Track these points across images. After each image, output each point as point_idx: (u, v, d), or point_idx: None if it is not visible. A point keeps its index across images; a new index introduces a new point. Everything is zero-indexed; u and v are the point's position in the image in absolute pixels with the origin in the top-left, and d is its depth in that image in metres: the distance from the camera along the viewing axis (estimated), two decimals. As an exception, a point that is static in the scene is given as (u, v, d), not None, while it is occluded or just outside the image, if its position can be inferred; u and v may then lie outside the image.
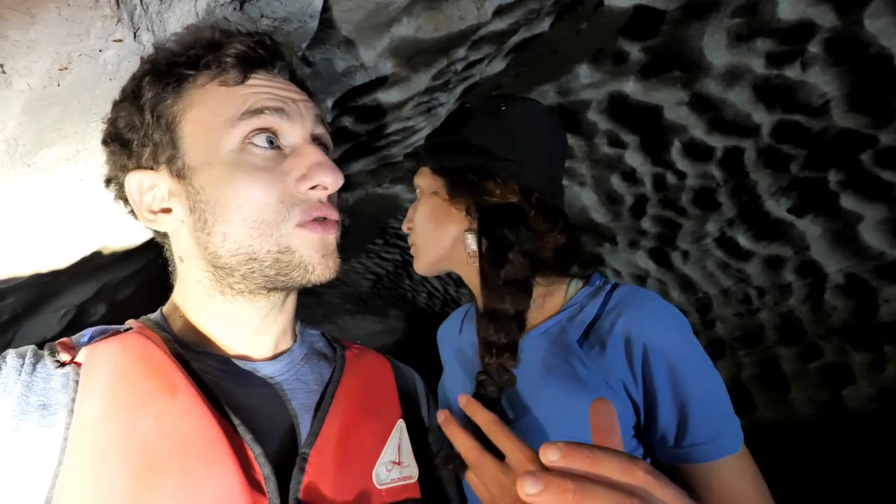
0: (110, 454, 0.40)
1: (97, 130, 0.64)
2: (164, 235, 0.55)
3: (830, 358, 2.58)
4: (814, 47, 1.65)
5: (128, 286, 1.43)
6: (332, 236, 0.52)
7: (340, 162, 1.88)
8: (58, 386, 0.44)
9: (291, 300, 0.57)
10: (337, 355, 0.61)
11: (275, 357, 0.55)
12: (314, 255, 0.50)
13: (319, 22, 0.96)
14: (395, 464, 0.54)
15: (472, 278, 0.77)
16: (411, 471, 0.55)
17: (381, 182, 2.71)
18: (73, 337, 0.49)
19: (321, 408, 0.53)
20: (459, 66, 1.54)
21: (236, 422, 0.46)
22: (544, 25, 1.64)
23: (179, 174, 0.50)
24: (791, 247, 2.44)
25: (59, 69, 0.49)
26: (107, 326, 0.50)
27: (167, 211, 0.51)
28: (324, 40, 1.02)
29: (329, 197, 0.52)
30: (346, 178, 2.25)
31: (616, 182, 2.45)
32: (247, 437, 0.46)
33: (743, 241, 2.52)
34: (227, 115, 0.48)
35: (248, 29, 0.55)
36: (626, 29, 1.73)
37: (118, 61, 0.53)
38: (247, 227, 0.48)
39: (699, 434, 0.65)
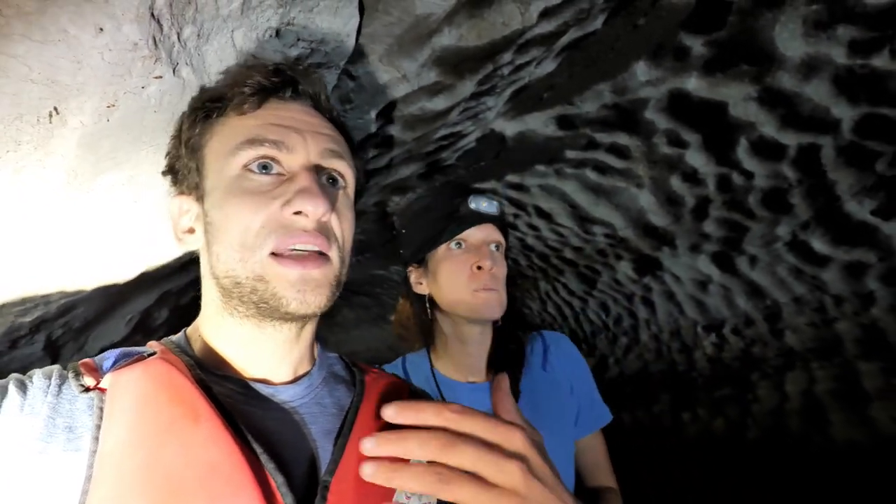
0: (136, 483, 0.41)
1: (147, 156, 0.67)
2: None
3: (921, 375, 2.31)
4: (908, 32, 1.47)
5: (190, 290, 1.52)
6: (313, 271, 0.49)
7: (390, 168, 1.90)
8: (83, 407, 0.45)
9: (308, 330, 0.56)
10: (356, 380, 0.60)
11: (294, 381, 0.55)
12: (288, 290, 0.48)
13: (360, 37, 0.96)
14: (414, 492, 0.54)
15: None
16: (430, 498, 0.53)
17: (434, 185, 2.72)
18: (95, 358, 0.50)
19: (342, 434, 0.52)
20: (506, 71, 1.50)
21: (258, 450, 0.46)
22: (597, 23, 1.56)
23: (200, 198, 0.53)
24: (875, 252, 2.20)
25: (108, 106, 0.52)
26: (130, 350, 0.50)
27: (192, 231, 0.54)
28: (366, 54, 1.02)
29: (322, 227, 0.50)
30: (396, 182, 2.25)
31: (676, 183, 2.31)
32: (269, 466, 0.46)
33: (819, 245, 2.30)
34: (232, 143, 0.50)
35: (277, 60, 0.56)
36: (688, 22, 1.61)
37: (160, 95, 0.55)
38: (232, 249, 0.49)
39: (595, 414, 0.97)
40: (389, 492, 0.52)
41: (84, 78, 0.47)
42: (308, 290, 0.48)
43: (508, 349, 0.93)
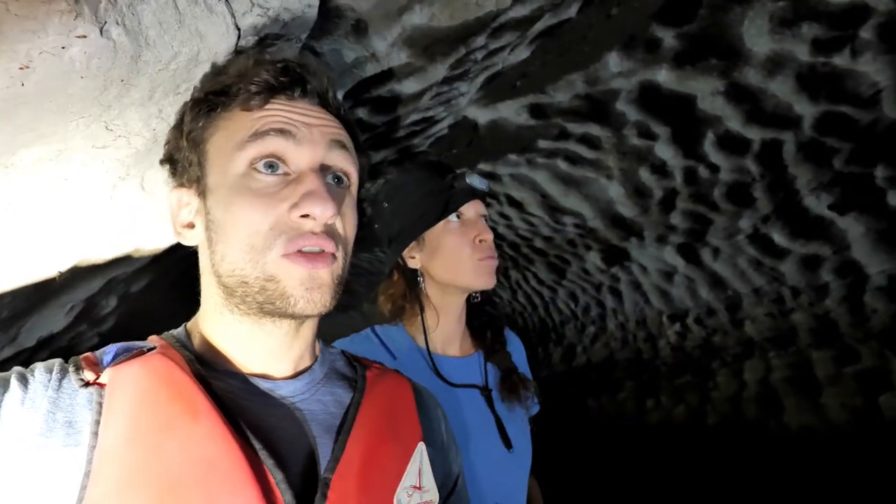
0: (135, 479, 0.42)
1: (78, 129, 0.60)
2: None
3: (868, 363, 2.44)
4: (866, 33, 1.51)
5: (140, 278, 1.43)
6: (321, 270, 0.49)
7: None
8: (83, 402, 0.45)
9: (308, 327, 0.55)
10: (358, 375, 0.60)
11: (294, 376, 0.55)
12: (297, 288, 0.49)
13: (325, 11, 0.90)
14: (415, 488, 0.53)
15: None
16: (432, 495, 0.55)
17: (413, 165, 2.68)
18: (96, 352, 0.50)
19: (342, 431, 0.52)
20: (479, 56, 1.46)
21: (257, 446, 0.46)
22: (571, 11, 1.53)
23: (202, 193, 0.52)
24: (830, 246, 2.29)
25: (20, 68, 0.45)
26: (130, 344, 0.51)
27: (191, 226, 0.54)
28: (330, 30, 0.96)
29: (329, 229, 0.51)
30: (377, 165, 2.18)
31: (645, 175, 2.34)
32: (268, 463, 0.46)
33: (778, 238, 2.38)
34: (237, 138, 0.50)
35: (283, 57, 0.55)
36: (661, 14, 1.61)
37: (86, 59, 0.49)
38: (239, 250, 0.49)
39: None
40: (390, 489, 0.52)
41: (-12, 32, 0.41)
42: (315, 289, 0.49)
43: (492, 323, 1.00)
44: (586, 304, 3.57)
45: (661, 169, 2.26)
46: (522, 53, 1.69)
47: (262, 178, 0.49)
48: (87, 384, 0.46)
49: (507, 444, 0.88)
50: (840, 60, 1.62)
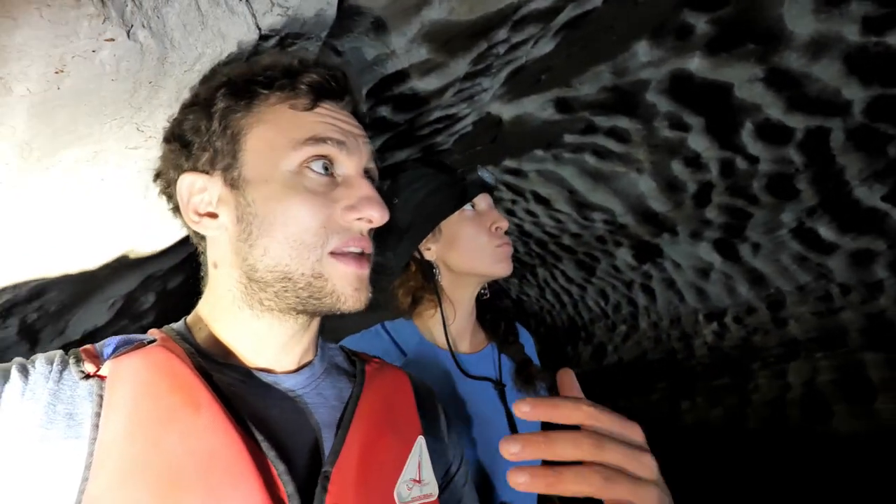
0: (136, 472, 0.41)
1: (111, 131, 0.63)
2: (201, 238, 0.56)
3: (928, 367, 2.28)
4: (924, 8, 1.40)
5: (176, 274, 1.49)
6: (365, 271, 0.53)
7: (383, 151, 1.85)
8: (84, 394, 0.45)
9: (317, 321, 0.57)
10: (357, 370, 0.60)
11: (296, 370, 0.55)
12: (347, 288, 0.51)
13: (344, 9, 0.91)
14: (415, 482, 0.54)
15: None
16: (431, 489, 0.55)
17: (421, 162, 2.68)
18: (97, 345, 0.50)
19: (342, 425, 0.52)
20: (501, 49, 1.45)
21: (259, 438, 0.46)
22: (596, 1, 1.50)
23: (233, 183, 0.51)
24: (885, 239, 2.15)
25: (56, 72, 0.48)
26: (131, 337, 0.51)
27: (213, 216, 0.52)
28: (350, 28, 0.98)
29: (368, 232, 0.54)
30: (391, 167, 2.22)
31: (678, 168, 2.26)
32: (270, 455, 0.46)
33: (825, 232, 2.25)
34: (292, 137, 0.51)
35: (325, 61, 0.57)
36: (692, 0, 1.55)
37: (116, 61, 0.51)
38: (287, 245, 0.49)
39: None
40: (390, 483, 0.52)
41: (23, 38, 0.43)
42: (362, 289, 0.52)
43: (504, 316, 1.01)
44: (617, 302, 3.48)
45: (694, 161, 2.18)
46: (546, 46, 1.66)
47: (316, 177, 0.50)
48: (87, 376, 0.46)
49: None
50: (894, 40, 1.51)
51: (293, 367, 0.55)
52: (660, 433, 3.27)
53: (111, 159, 0.67)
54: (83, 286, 0.90)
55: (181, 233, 1.00)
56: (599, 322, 3.72)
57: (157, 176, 0.59)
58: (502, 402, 0.89)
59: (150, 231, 0.86)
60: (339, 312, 0.51)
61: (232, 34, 0.64)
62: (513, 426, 0.88)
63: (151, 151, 0.73)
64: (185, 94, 0.67)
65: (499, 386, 0.90)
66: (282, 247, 0.49)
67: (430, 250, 0.91)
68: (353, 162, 0.53)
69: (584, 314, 3.79)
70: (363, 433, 0.52)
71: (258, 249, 0.50)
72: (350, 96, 0.57)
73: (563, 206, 2.71)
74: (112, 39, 0.47)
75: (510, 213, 2.88)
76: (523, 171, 2.52)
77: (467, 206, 0.91)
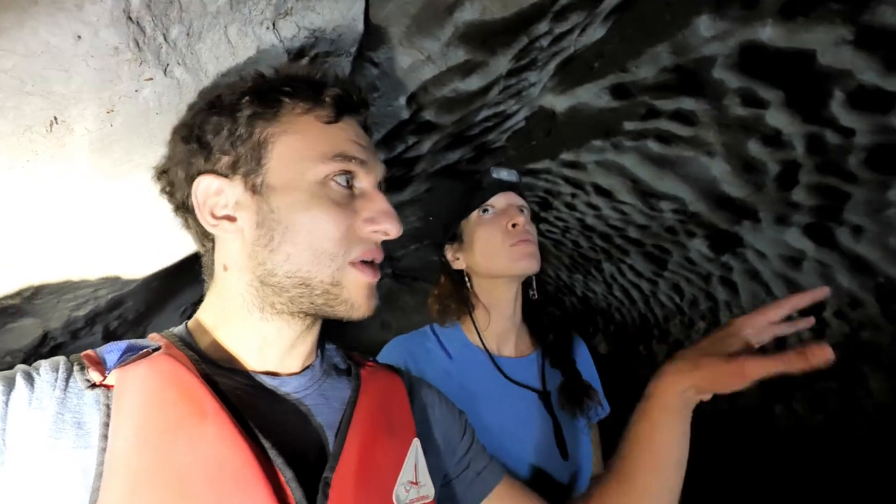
0: (146, 482, 0.42)
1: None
2: (209, 240, 0.56)
3: None
4: None
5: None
6: (376, 280, 0.55)
7: (435, 154, 1.87)
8: (90, 403, 0.45)
9: (319, 322, 0.58)
10: (353, 373, 0.60)
11: (299, 372, 0.56)
12: (360, 295, 0.53)
13: (376, 21, 0.94)
14: (413, 484, 0.54)
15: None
16: (428, 490, 0.55)
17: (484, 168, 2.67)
18: (97, 350, 0.50)
19: (340, 429, 0.53)
20: (545, 42, 1.40)
21: (266, 445, 0.47)
22: (645, -23, 1.41)
23: (255, 189, 0.52)
24: None
25: (107, 112, 0.54)
26: (135, 343, 0.51)
27: (231, 219, 0.52)
28: (384, 39, 1.00)
29: (380, 243, 0.56)
30: (444, 168, 2.21)
31: (755, 148, 2.05)
32: (277, 462, 0.46)
33: (945, 211, 1.94)
34: (321, 150, 0.53)
35: (341, 76, 0.59)
36: (758, -39, 1.40)
37: (157, 97, 0.57)
38: (309, 253, 0.50)
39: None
40: (389, 485, 0.53)
41: (77, 86, 0.50)
42: (373, 297, 0.54)
43: (552, 320, 0.98)
44: (693, 297, 3.23)
45: (774, 139, 1.97)
46: (597, 33, 1.59)
47: (339, 189, 0.53)
48: (93, 385, 0.46)
49: (564, 453, 0.84)
50: None
51: (297, 369, 0.56)
52: (750, 440, 2.99)
53: (167, 183, 0.75)
54: (153, 294, 1.01)
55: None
56: (674, 318, 3.48)
57: (161, 174, 0.59)
58: (548, 411, 0.87)
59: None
60: (348, 319, 0.52)
61: (263, 60, 0.68)
62: (559, 433, 0.86)
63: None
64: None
65: (543, 395, 0.88)
66: (305, 254, 0.51)
67: (459, 260, 0.92)
68: (371, 177, 0.56)
69: (657, 310, 3.56)
70: (361, 437, 0.52)
71: (280, 255, 0.51)
72: (366, 110, 0.60)
73: (627, 197, 2.57)
74: (151, 79, 0.52)
75: (570, 207, 2.78)
76: (582, 164, 2.43)
77: (486, 208, 0.90)
